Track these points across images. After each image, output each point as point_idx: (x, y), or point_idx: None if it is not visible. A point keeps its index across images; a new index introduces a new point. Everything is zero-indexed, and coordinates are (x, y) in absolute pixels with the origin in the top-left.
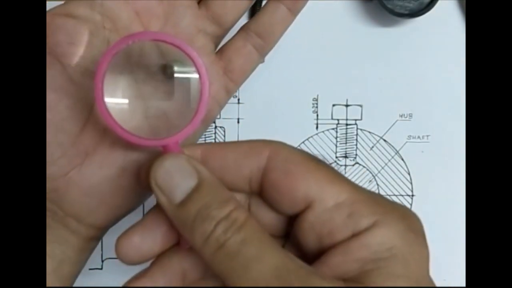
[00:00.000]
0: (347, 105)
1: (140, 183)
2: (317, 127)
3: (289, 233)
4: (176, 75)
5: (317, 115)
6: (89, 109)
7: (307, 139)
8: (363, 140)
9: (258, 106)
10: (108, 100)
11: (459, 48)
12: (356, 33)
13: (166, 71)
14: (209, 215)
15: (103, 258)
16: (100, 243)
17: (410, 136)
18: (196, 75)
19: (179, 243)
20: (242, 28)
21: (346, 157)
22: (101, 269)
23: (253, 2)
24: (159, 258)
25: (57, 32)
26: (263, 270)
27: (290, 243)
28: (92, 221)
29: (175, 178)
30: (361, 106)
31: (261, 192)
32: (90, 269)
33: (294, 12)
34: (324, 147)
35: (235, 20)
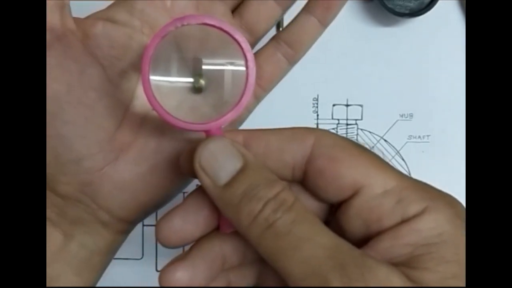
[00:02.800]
0: (347, 105)
1: (180, 169)
2: (317, 127)
3: (329, 222)
4: (220, 62)
5: (318, 115)
6: (125, 109)
7: None
8: (363, 140)
9: (258, 106)
10: (153, 84)
11: (459, 48)
12: (356, 33)
13: (196, 66)
14: (256, 195)
15: None
16: None
17: (411, 136)
18: (242, 63)
19: (218, 227)
20: (273, 38)
21: None
22: None
23: (285, 13)
24: (199, 242)
25: (98, 36)
26: (315, 250)
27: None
28: (123, 215)
29: (220, 159)
30: (361, 106)
31: (304, 179)
32: None
33: (324, 23)
34: None
35: (266, 30)
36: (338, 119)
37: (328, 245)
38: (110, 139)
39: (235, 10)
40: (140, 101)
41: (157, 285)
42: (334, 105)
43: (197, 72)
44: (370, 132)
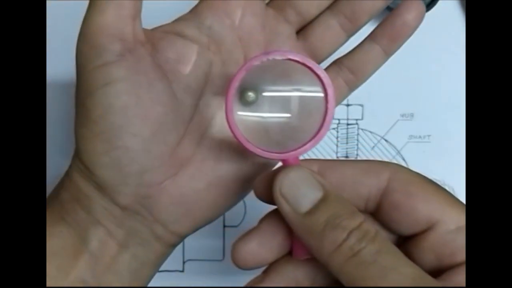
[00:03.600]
0: (348, 105)
1: (256, 194)
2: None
3: None
4: (301, 93)
5: None
6: (187, 125)
7: None
8: (364, 140)
9: None
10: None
11: (459, 48)
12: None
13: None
14: (340, 224)
15: None
16: None
17: (412, 136)
18: (315, 91)
19: (290, 253)
20: (335, 62)
21: (347, 157)
22: None
23: (349, 38)
24: (274, 266)
25: (167, 49)
26: (400, 279)
27: None
28: (176, 229)
29: (301, 188)
30: (362, 106)
31: (377, 211)
32: None
33: (388, 53)
34: (325, 147)
35: (329, 54)
36: (339, 119)
37: (412, 275)
38: (172, 154)
39: (299, 31)
40: (201, 118)
41: (157, 285)
42: None
43: (254, 99)
44: (370, 132)
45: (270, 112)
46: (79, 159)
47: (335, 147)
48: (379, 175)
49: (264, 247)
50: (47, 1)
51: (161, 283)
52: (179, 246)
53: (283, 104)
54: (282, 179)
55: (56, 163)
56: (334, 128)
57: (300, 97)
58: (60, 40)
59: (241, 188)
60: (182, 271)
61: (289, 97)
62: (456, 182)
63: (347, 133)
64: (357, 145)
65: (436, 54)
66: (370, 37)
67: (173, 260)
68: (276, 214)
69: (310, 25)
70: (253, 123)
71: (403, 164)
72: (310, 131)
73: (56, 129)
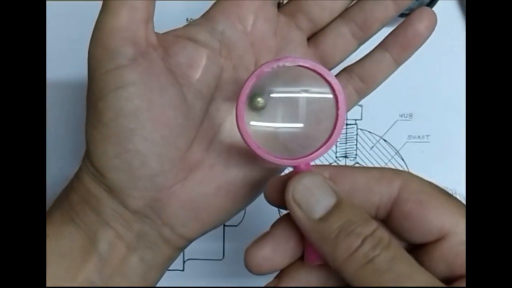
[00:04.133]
0: None
1: (266, 199)
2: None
3: None
4: (311, 97)
5: None
6: (196, 130)
7: None
8: (363, 140)
9: None
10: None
11: (459, 48)
12: None
13: (257, 101)
14: (354, 231)
15: None
16: None
17: (410, 136)
18: (331, 100)
19: (302, 258)
20: (345, 70)
21: (346, 157)
22: None
23: (359, 47)
24: (286, 271)
25: (178, 54)
26: (415, 286)
27: None
28: (184, 232)
29: (315, 194)
30: (361, 106)
31: (387, 219)
32: None
33: (398, 62)
34: None
35: (340, 61)
36: None
37: (427, 283)
38: (182, 158)
39: (310, 38)
40: (211, 123)
41: (157, 284)
42: None
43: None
44: (369, 132)
45: (280, 118)
46: (89, 161)
47: (334, 147)
48: (391, 183)
49: (278, 252)
50: (47, 1)
51: (161, 283)
52: None
53: (294, 110)
54: (295, 184)
55: (57, 164)
56: None
57: (311, 103)
58: (60, 40)
59: (249, 193)
60: (182, 270)
61: (300, 103)
62: (455, 183)
63: (346, 133)
64: (356, 145)
65: (436, 54)
66: (381, 45)
67: None
68: (288, 219)
69: (321, 32)
70: (264, 129)
71: (402, 164)
72: (321, 137)
73: (56, 129)
